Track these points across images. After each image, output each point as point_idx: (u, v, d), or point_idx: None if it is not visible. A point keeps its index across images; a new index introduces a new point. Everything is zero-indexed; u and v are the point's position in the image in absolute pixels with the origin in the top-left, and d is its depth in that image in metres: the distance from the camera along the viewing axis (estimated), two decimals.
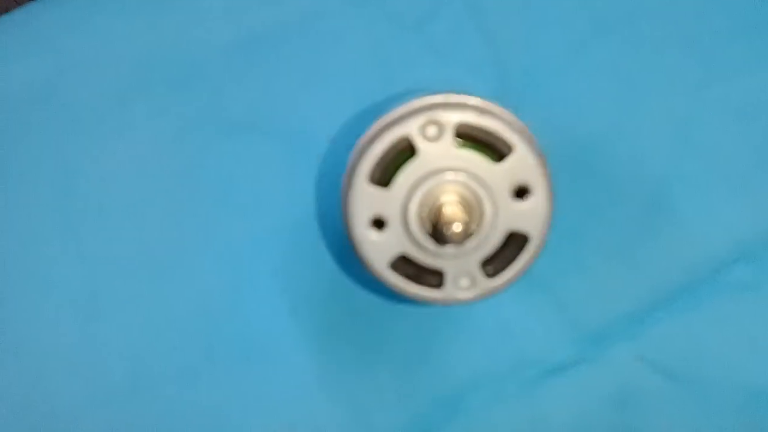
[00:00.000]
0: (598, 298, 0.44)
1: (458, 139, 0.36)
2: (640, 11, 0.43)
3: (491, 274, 0.38)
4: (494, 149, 0.36)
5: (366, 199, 0.36)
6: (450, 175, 0.35)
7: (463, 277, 0.38)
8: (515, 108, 0.37)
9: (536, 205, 0.37)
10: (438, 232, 0.34)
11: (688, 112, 0.43)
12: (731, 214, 0.43)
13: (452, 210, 0.34)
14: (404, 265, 0.38)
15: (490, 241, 0.37)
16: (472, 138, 0.36)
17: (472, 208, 0.36)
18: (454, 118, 0.35)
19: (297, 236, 0.43)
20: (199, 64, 0.42)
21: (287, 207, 0.43)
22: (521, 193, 0.37)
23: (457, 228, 0.33)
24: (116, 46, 0.42)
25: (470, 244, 0.36)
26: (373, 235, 0.37)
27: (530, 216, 0.37)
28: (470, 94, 0.37)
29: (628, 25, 0.43)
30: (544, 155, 0.37)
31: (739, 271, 0.43)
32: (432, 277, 0.38)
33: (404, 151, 0.36)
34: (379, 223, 0.37)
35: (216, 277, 0.42)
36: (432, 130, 0.36)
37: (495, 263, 0.38)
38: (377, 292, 0.43)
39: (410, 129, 0.36)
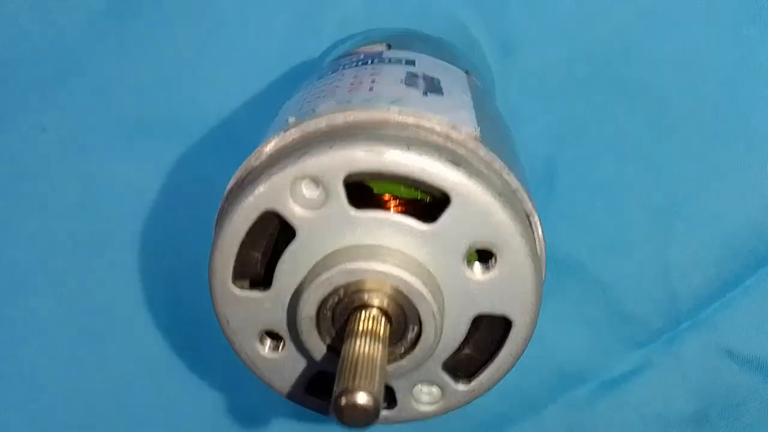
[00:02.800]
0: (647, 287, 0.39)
1: (375, 183, 0.21)
2: None
3: (465, 376, 0.24)
4: (429, 192, 0.21)
5: (239, 308, 0.23)
6: (349, 266, 0.21)
7: (422, 385, 0.24)
8: None
9: (510, 274, 0.22)
10: (335, 407, 0.19)
11: None
12: None
13: (360, 348, 0.20)
14: (329, 380, 0.24)
15: (450, 333, 0.23)
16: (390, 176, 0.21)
17: (401, 309, 0.21)
18: (336, 172, 0.21)
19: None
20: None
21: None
22: (484, 258, 0.22)
23: (361, 401, 0.18)
24: None
25: (419, 349, 0.22)
26: (267, 352, 0.24)
27: (504, 290, 0.22)
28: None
29: None
30: (524, 188, 0.22)
31: None
32: None
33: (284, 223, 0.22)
34: (273, 336, 0.24)
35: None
36: (309, 192, 0.21)
37: (466, 360, 0.24)
38: None
39: (271, 198, 0.21)
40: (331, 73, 0.27)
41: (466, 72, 0.31)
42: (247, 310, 0.23)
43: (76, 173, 0.40)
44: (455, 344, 0.23)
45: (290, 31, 0.38)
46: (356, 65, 0.26)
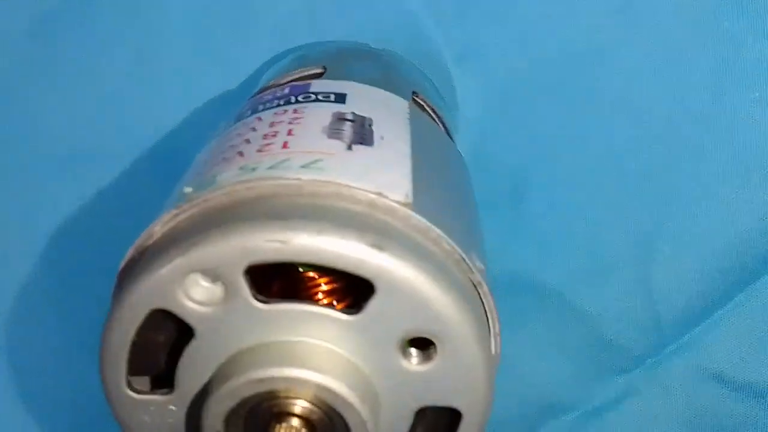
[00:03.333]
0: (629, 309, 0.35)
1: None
2: None
3: None
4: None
5: (141, 413, 0.20)
6: (256, 374, 0.18)
7: None
8: None
9: (455, 364, 0.18)
10: None
11: None
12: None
13: None
14: None
15: (389, 429, 0.20)
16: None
17: (327, 416, 0.18)
18: (234, 266, 0.17)
19: None
20: None
21: None
22: (423, 345, 0.19)
23: None
24: None
25: None
26: None
27: (448, 381, 0.19)
28: None
29: None
30: (468, 255, 0.19)
31: None
32: None
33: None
34: None
35: None
36: (205, 286, 0.18)
37: None
38: None
39: (159, 296, 0.17)
40: (250, 114, 0.23)
41: (413, 94, 0.27)
42: (151, 415, 0.19)
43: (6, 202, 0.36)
44: None
45: (227, 47, 0.34)
46: (277, 105, 0.23)
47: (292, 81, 0.26)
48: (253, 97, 0.25)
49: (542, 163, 0.34)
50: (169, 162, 0.35)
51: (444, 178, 0.22)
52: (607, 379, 0.36)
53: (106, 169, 0.36)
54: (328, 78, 0.26)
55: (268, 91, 0.25)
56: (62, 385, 0.38)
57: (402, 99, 0.25)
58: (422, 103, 0.27)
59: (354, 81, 0.25)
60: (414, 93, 0.27)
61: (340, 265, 0.17)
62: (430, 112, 0.27)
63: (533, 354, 0.36)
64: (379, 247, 0.17)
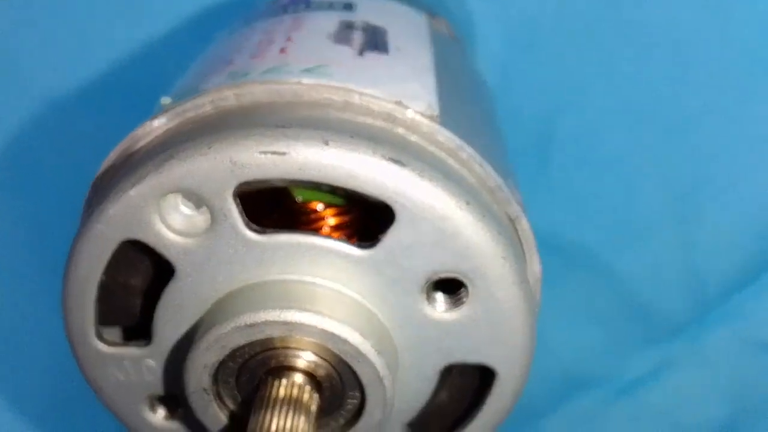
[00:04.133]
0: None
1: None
2: None
3: None
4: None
5: (113, 368, 0.16)
6: (249, 318, 0.14)
7: None
8: None
9: (489, 310, 0.15)
10: None
11: None
12: None
13: (277, 425, 0.14)
14: None
15: (411, 390, 0.16)
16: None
17: (335, 370, 0.15)
18: (220, 184, 0.14)
19: None
20: None
21: None
22: (451, 287, 0.15)
23: None
24: None
25: (364, 422, 0.16)
26: (160, 420, 0.17)
27: (481, 332, 0.16)
28: None
29: None
30: (506, 184, 0.16)
31: None
32: None
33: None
34: (167, 399, 0.17)
35: None
36: (186, 212, 0.14)
37: (438, 412, 0.18)
38: None
39: (130, 223, 0.14)
40: (243, 27, 0.20)
41: (431, 16, 0.24)
42: (125, 371, 0.16)
43: None
44: (420, 403, 0.17)
45: None
46: (273, 15, 0.19)
47: None
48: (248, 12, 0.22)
49: (571, 108, 0.30)
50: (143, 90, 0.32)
51: (472, 98, 0.19)
52: (641, 349, 0.33)
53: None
54: None
55: (266, 5, 0.21)
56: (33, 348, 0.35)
57: (419, 15, 0.22)
58: (441, 24, 0.24)
59: None
60: (429, 14, 0.24)
61: (353, 184, 0.14)
62: (451, 34, 0.23)
63: (559, 322, 0.33)
64: (400, 162, 0.14)
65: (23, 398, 0.36)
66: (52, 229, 0.33)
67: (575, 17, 0.29)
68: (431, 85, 0.16)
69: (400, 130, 0.15)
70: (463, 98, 0.18)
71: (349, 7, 0.19)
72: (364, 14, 0.19)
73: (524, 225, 0.17)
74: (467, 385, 0.18)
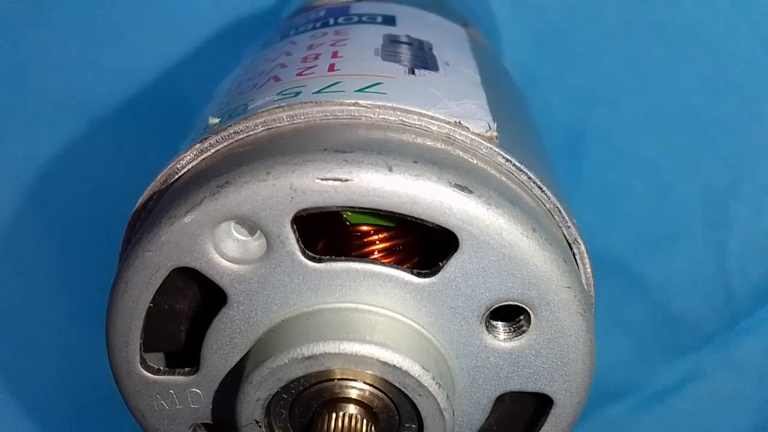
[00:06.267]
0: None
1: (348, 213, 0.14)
2: None
3: None
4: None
5: (157, 397, 0.16)
6: (307, 350, 0.14)
7: None
8: None
9: (551, 339, 0.15)
10: None
11: None
12: None
13: None
14: None
15: (464, 418, 0.16)
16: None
17: (392, 402, 0.14)
18: (279, 212, 0.13)
19: None
20: None
21: None
22: (509, 314, 0.15)
23: None
24: None
25: None
26: None
27: (541, 361, 0.15)
28: None
29: None
30: (563, 205, 0.15)
31: None
32: None
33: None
34: (214, 428, 0.17)
35: None
36: (241, 238, 0.14)
37: None
38: None
39: (182, 250, 0.14)
40: (280, 40, 0.19)
41: (464, 25, 0.23)
42: (170, 400, 0.16)
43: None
44: (471, 430, 0.16)
45: None
46: (313, 28, 0.19)
47: (326, 4, 0.21)
48: (282, 20, 0.21)
49: (601, 110, 0.30)
50: (172, 107, 0.31)
51: (516, 110, 0.18)
52: (671, 358, 0.32)
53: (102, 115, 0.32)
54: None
55: (299, 16, 0.21)
56: (54, 363, 0.34)
57: (457, 25, 0.21)
58: (474, 31, 0.23)
59: (400, 4, 0.21)
60: (463, 23, 0.23)
61: (418, 211, 0.13)
62: (484, 41, 0.23)
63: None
64: (466, 190, 0.13)
65: (40, 406, 0.35)
66: (71, 238, 0.33)
67: (605, 20, 0.28)
68: (484, 103, 0.16)
69: (459, 153, 0.14)
70: (511, 113, 0.17)
71: (390, 20, 0.19)
72: (406, 27, 0.18)
73: (582, 248, 0.16)
74: (518, 411, 0.17)
